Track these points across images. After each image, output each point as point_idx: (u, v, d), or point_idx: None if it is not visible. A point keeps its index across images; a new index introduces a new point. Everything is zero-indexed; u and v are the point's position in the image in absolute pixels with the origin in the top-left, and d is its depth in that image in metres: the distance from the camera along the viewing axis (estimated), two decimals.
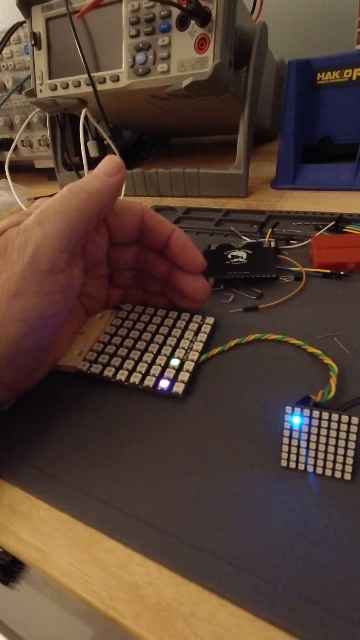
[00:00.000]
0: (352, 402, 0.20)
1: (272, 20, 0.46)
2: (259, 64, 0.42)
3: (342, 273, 0.29)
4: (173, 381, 0.23)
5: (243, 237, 0.37)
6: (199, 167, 0.47)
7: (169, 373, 0.23)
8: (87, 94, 0.45)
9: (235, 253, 0.33)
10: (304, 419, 0.17)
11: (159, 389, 0.22)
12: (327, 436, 0.17)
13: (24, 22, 0.52)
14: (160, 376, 0.23)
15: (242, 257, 0.32)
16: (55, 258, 0.19)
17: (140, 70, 0.41)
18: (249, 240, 0.36)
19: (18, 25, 0.54)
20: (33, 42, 0.46)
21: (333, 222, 0.35)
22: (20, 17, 0.49)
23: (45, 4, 0.45)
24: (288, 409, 0.17)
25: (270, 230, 0.36)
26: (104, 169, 0.22)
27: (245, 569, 0.15)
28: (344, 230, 0.34)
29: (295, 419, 0.17)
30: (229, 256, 0.33)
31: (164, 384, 0.23)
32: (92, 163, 0.55)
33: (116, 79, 0.42)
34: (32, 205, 0.23)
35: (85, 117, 0.45)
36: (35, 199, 0.56)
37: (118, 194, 0.23)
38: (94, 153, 0.57)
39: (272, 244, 0.34)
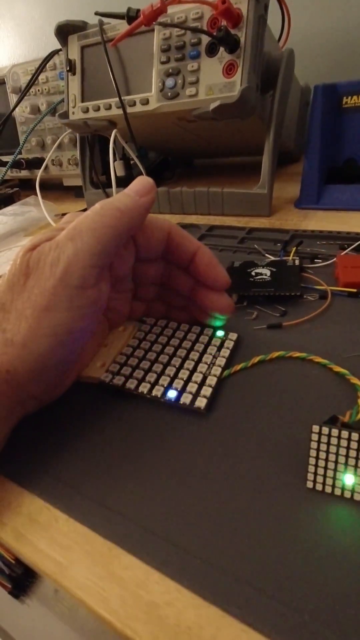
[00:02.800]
0: None
1: (298, 47, 0.48)
2: (285, 89, 0.43)
3: None
4: (195, 396, 0.22)
5: (267, 255, 0.37)
6: (222, 186, 0.48)
7: (191, 387, 0.23)
8: (117, 116, 0.47)
9: (258, 270, 0.33)
10: (331, 438, 0.17)
11: (181, 403, 0.22)
12: (357, 458, 0.16)
13: (60, 50, 0.55)
14: (183, 390, 0.23)
15: (265, 275, 0.32)
16: (86, 274, 0.20)
17: (169, 94, 0.42)
18: (272, 258, 0.36)
19: (54, 53, 0.57)
20: (68, 68, 0.49)
21: (359, 242, 0.35)
22: (55, 45, 0.52)
23: (81, 33, 0.48)
24: (315, 427, 0.17)
25: (294, 248, 0.36)
26: (136, 188, 0.23)
27: (269, 595, 0.14)
28: None
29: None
30: (253, 273, 0.33)
31: (186, 398, 0.22)
32: (119, 182, 0.57)
33: (146, 102, 0.44)
34: (62, 220, 0.24)
35: (117, 138, 0.47)
36: (63, 214, 0.58)
37: (148, 213, 0.23)
38: (120, 172, 0.58)
39: (297, 262, 0.34)
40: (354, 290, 0.29)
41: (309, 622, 0.13)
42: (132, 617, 0.15)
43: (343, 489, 0.17)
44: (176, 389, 0.23)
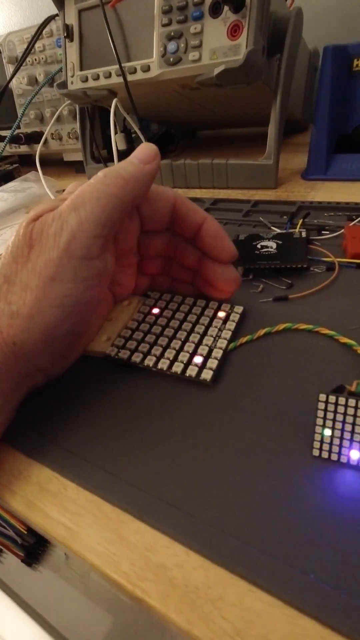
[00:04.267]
0: None
1: (307, 6, 0.45)
2: (293, 52, 0.41)
3: None
4: (201, 368, 0.22)
5: (272, 227, 0.36)
6: (227, 158, 0.46)
7: (197, 360, 0.23)
8: (118, 84, 0.45)
9: (264, 243, 0.32)
10: (338, 407, 0.17)
11: (187, 375, 0.22)
12: None
13: (57, 15, 0.53)
14: (189, 363, 0.23)
15: (271, 247, 0.32)
16: (90, 244, 0.19)
17: (171, 59, 0.41)
18: (278, 230, 0.35)
19: (51, 18, 0.55)
20: (65, 34, 0.46)
21: None
22: (52, 11, 0.50)
23: None
24: (322, 396, 0.17)
25: (301, 220, 0.36)
26: (140, 155, 0.22)
27: (275, 556, 0.15)
28: None
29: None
30: (259, 246, 0.32)
31: (192, 370, 0.22)
32: (121, 156, 0.56)
33: (147, 68, 0.42)
34: (66, 190, 0.23)
35: (118, 109, 0.45)
36: (64, 190, 0.57)
37: (153, 181, 0.23)
38: (122, 146, 0.57)
39: (303, 234, 0.33)
40: None
41: (315, 581, 0.14)
42: (142, 579, 0.15)
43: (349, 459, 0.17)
44: (182, 362, 0.23)
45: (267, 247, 0.32)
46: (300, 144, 0.57)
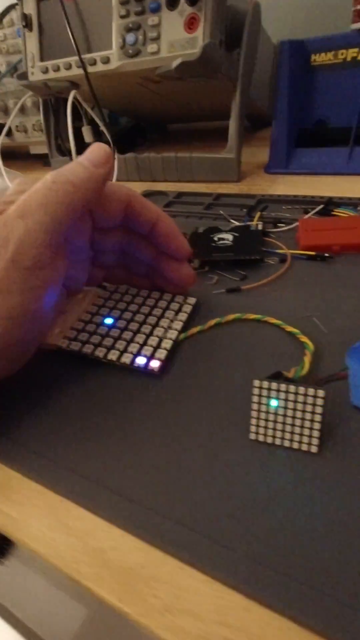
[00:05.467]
0: (327, 379, 0.20)
1: (272, 1, 0.46)
2: (252, 45, 0.41)
3: (326, 255, 0.29)
4: (150, 358, 0.23)
5: (232, 220, 0.37)
6: (191, 151, 0.47)
7: (147, 351, 0.23)
8: (78, 76, 0.44)
9: (221, 235, 0.33)
10: (271, 392, 0.17)
11: (136, 365, 0.23)
12: (294, 409, 0.17)
13: (16, 4, 0.52)
14: (138, 353, 0.23)
15: (228, 240, 0.32)
16: (38, 254, 0.19)
17: (130, 51, 0.40)
18: (237, 223, 0.36)
19: (10, 7, 0.53)
20: (24, 24, 0.46)
21: (322, 206, 0.35)
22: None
23: None
24: (256, 382, 0.18)
25: (259, 213, 0.36)
26: (92, 157, 0.21)
27: (206, 536, 0.15)
28: (333, 213, 0.34)
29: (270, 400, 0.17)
30: (215, 238, 0.33)
31: (140, 361, 0.23)
32: (87, 148, 0.55)
33: (106, 60, 0.42)
34: (10, 189, 0.23)
35: (80, 102, 0.45)
36: None
37: (105, 184, 0.22)
38: (88, 139, 0.56)
39: (260, 227, 0.34)
40: (313, 253, 0.30)
41: (242, 557, 0.14)
42: (79, 562, 0.16)
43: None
44: (132, 353, 0.23)
45: (223, 239, 0.32)
46: (267, 138, 0.57)
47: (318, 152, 0.44)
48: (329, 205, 0.35)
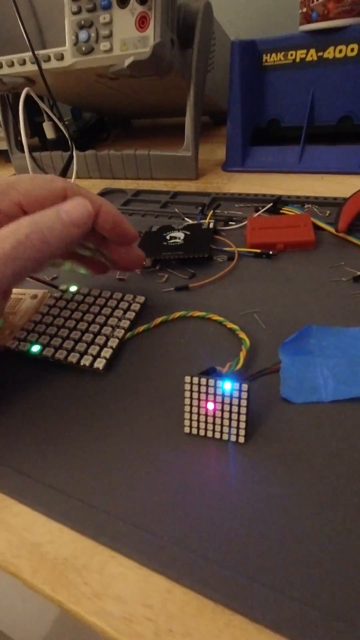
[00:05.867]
0: (259, 373, 0.22)
1: (229, 2, 0.46)
2: (205, 44, 0.42)
3: (271, 253, 0.30)
4: (96, 357, 0.23)
5: (186, 218, 0.37)
6: (149, 149, 0.47)
7: (93, 350, 0.24)
8: (33, 72, 0.44)
9: (173, 234, 0.34)
10: (200, 387, 0.18)
11: (82, 365, 0.23)
12: (222, 402, 0.18)
13: None
14: (85, 353, 0.24)
15: (179, 238, 0.33)
16: None
17: (83, 48, 0.40)
18: (190, 221, 0.36)
19: None
20: None
21: (271, 204, 0.36)
22: None
23: None
24: (187, 378, 0.18)
25: (211, 211, 0.37)
26: (74, 215, 0.20)
27: (135, 524, 0.16)
28: (281, 211, 0.35)
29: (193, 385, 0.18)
30: (168, 237, 0.33)
31: (86, 360, 0.23)
32: (50, 145, 0.55)
33: (60, 57, 0.42)
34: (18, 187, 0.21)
35: (36, 99, 0.44)
36: None
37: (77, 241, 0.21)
38: (50, 135, 0.56)
39: (211, 225, 0.34)
40: (259, 250, 0.31)
41: (167, 543, 0.15)
42: (16, 556, 0.16)
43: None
44: (79, 352, 0.24)
45: (175, 238, 0.33)
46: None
47: (272, 150, 0.46)
48: (277, 204, 0.36)
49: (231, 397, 0.18)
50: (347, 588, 0.14)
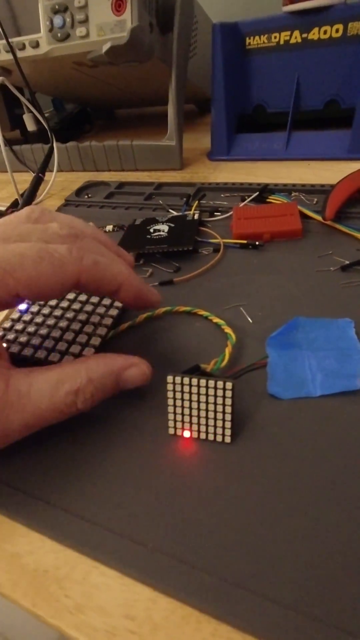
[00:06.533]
0: (245, 369, 0.21)
1: None
2: (185, 29, 0.40)
3: (257, 243, 0.29)
4: (77, 357, 0.23)
5: (170, 210, 0.36)
6: (132, 139, 0.46)
7: (75, 349, 0.23)
8: (9, 61, 0.42)
9: (157, 227, 0.33)
10: (184, 386, 0.17)
11: None
12: (207, 402, 0.17)
13: None
14: (66, 352, 0.23)
15: (163, 231, 0.32)
16: None
17: (59, 34, 0.39)
18: (175, 213, 0.35)
19: None
20: None
21: (257, 193, 0.35)
22: None
23: None
24: (169, 377, 0.18)
25: (196, 202, 0.36)
26: (129, 385, 0.19)
27: (118, 533, 0.15)
28: (268, 200, 0.34)
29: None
30: (151, 230, 0.32)
31: (67, 360, 0.22)
32: (31, 138, 0.53)
33: (36, 44, 0.40)
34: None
35: (11, 89, 0.43)
36: None
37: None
38: (31, 127, 0.54)
39: (196, 217, 0.34)
40: (245, 241, 0.30)
41: (151, 552, 0.15)
42: None
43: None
44: (60, 352, 0.23)
45: (159, 230, 0.32)
46: None
47: (258, 137, 0.45)
48: (264, 193, 0.35)
49: (215, 396, 0.17)
50: (337, 592, 0.13)
